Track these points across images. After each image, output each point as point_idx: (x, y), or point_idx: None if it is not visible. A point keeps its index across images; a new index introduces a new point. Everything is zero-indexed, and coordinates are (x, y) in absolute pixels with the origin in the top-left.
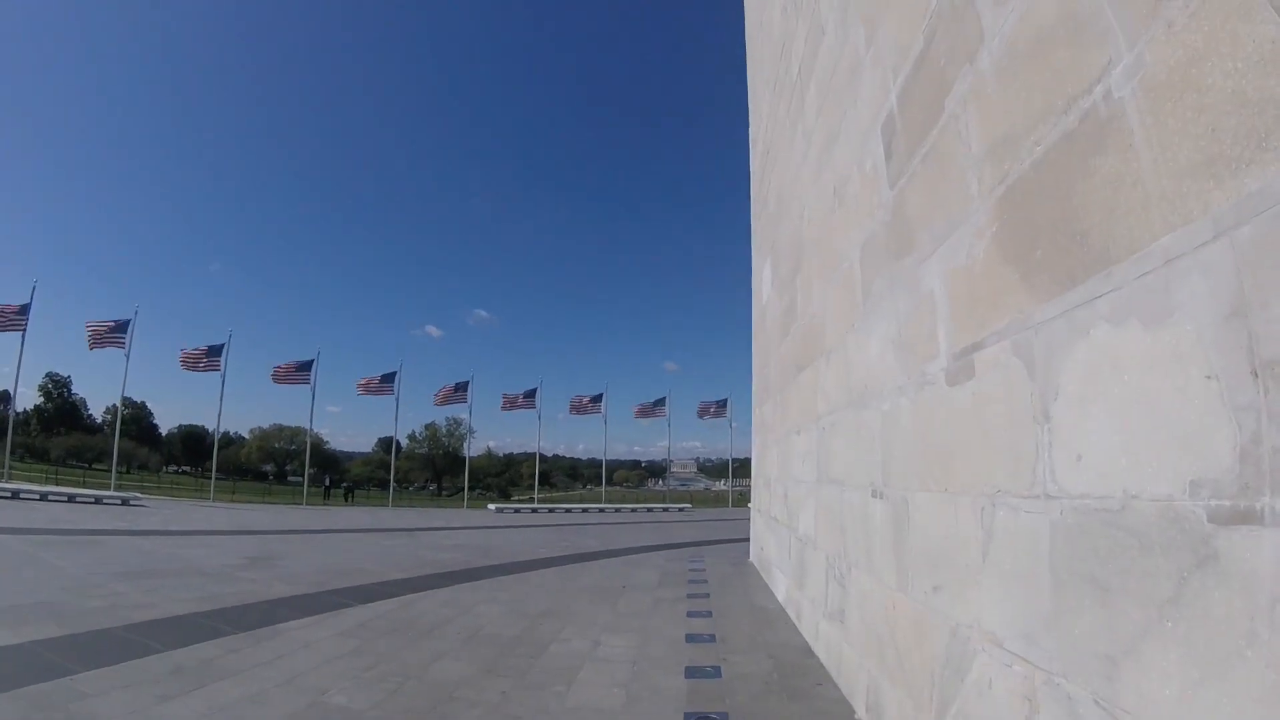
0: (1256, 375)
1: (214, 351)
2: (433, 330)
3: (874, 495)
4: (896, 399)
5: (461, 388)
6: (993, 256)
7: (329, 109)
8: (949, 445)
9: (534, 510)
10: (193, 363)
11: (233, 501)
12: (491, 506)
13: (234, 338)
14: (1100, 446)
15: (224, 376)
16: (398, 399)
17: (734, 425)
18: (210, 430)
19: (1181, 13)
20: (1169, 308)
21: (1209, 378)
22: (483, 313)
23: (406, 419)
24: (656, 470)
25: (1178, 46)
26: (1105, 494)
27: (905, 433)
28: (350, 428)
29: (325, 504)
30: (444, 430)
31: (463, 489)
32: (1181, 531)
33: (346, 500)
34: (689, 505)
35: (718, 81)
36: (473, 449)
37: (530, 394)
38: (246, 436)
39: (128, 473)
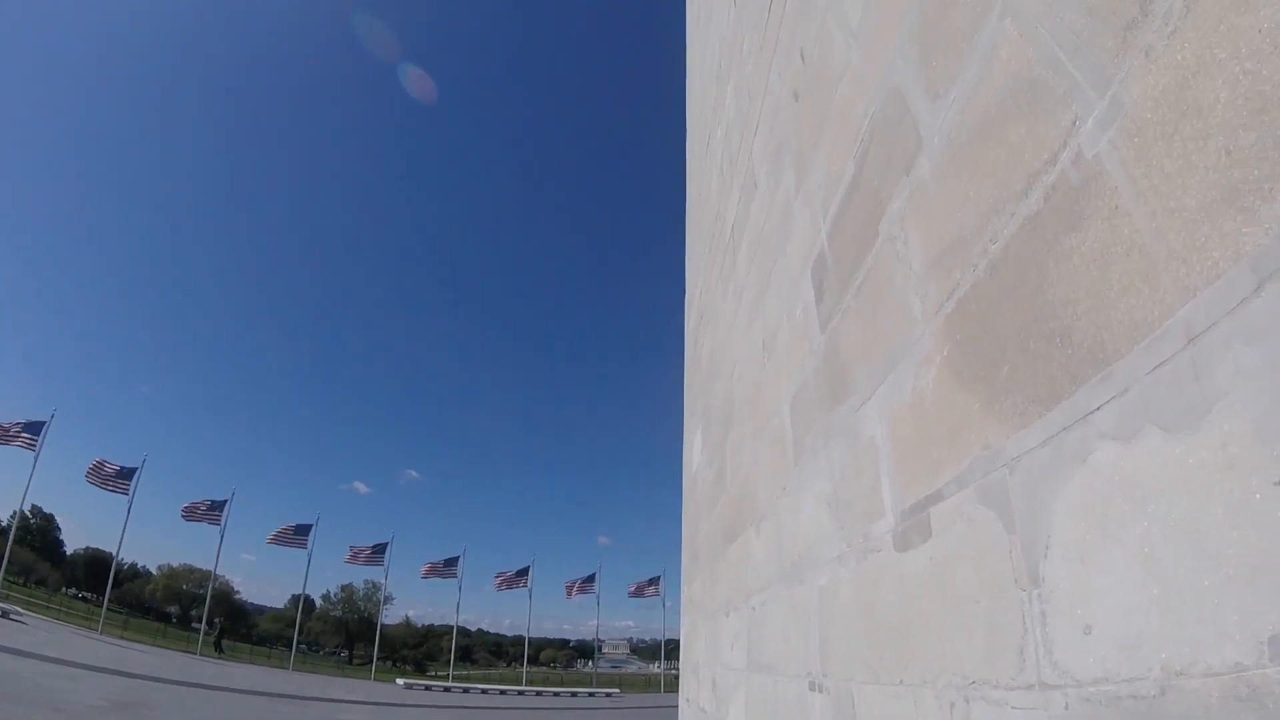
0: None
1: (124, 474)
2: (360, 487)
3: (812, 688)
4: (835, 570)
5: (379, 550)
6: (945, 385)
7: (290, 252)
8: (903, 625)
9: (446, 689)
10: (100, 480)
11: (122, 637)
12: (400, 681)
13: (154, 465)
14: (1120, 609)
15: (131, 503)
16: (311, 554)
17: (667, 604)
18: (115, 556)
19: (1160, 33)
20: (1206, 400)
21: None
22: (413, 473)
23: (325, 577)
24: (586, 650)
25: (1163, 72)
26: (1134, 675)
27: (847, 611)
28: (265, 579)
29: (219, 656)
30: (361, 593)
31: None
32: (1263, 713)
33: (217, 650)
34: (617, 690)
35: (659, 249)
36: (390, 616)
37: (452, 562)
38: (154, 571)
39: (23, 585)
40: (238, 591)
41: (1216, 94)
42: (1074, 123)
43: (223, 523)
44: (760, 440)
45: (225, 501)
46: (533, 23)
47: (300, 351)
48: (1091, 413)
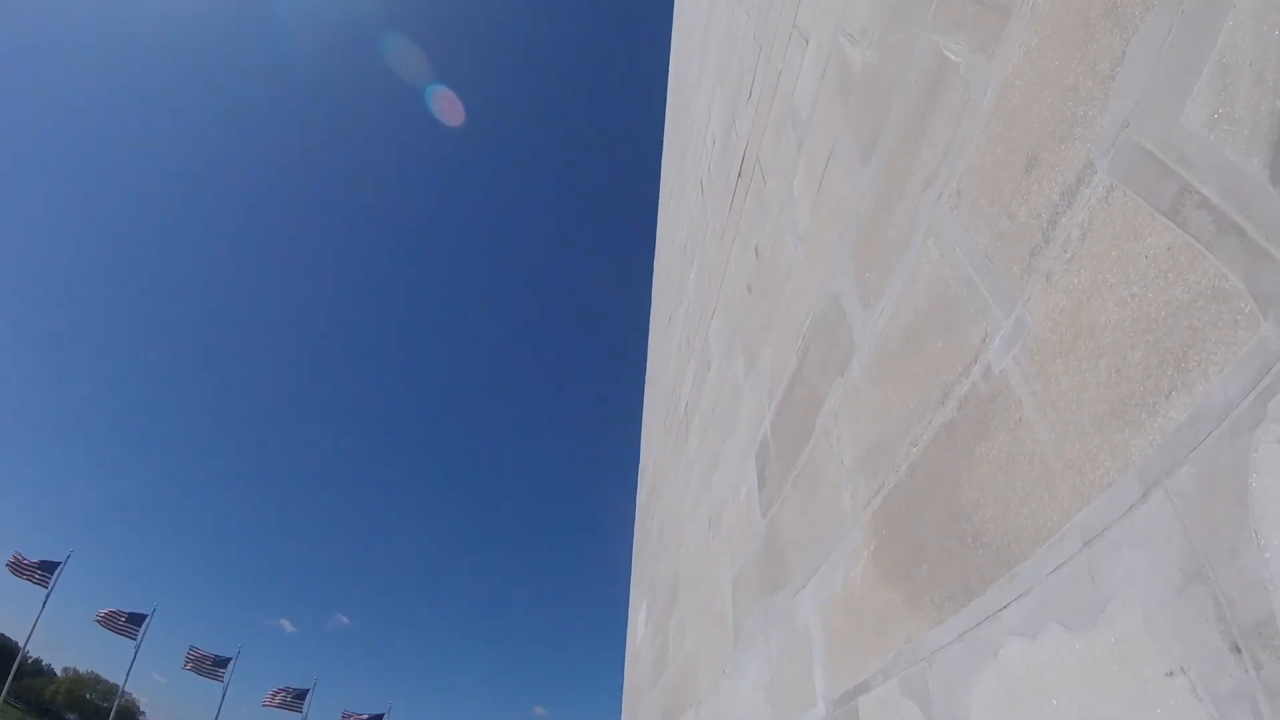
0: (1239, 649)
1: (46, 566)
2: (286, 624)
3: None
4: None
5: (301, 695)
6: (872, 578)
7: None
8: None
9: None
10: (19, 570)
11: None
12: None
13: (78, 563)
14: None
15: (47, 598)
16: (226, 687)
17: None
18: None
19: (1059, 259)
20: (1100, 599)
21: (1173, 673)
22: (344, 618)
23: (242, 713)
24: None
25: (1060, 295)
26: None
27: None
28: (176, 705)
29: None
30: None
31: None
32: None
33: None
34: None
35: (615, 425)
36: None
37: (378, 718)
38: (59, 673)
39: None
40: (143, 713)
41: (1108, 316)
42: (984, 339)
43: (139, 638)
44: (703, 619)
45: (145, 616)
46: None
47: (245, 476)
48: (1000, 610)
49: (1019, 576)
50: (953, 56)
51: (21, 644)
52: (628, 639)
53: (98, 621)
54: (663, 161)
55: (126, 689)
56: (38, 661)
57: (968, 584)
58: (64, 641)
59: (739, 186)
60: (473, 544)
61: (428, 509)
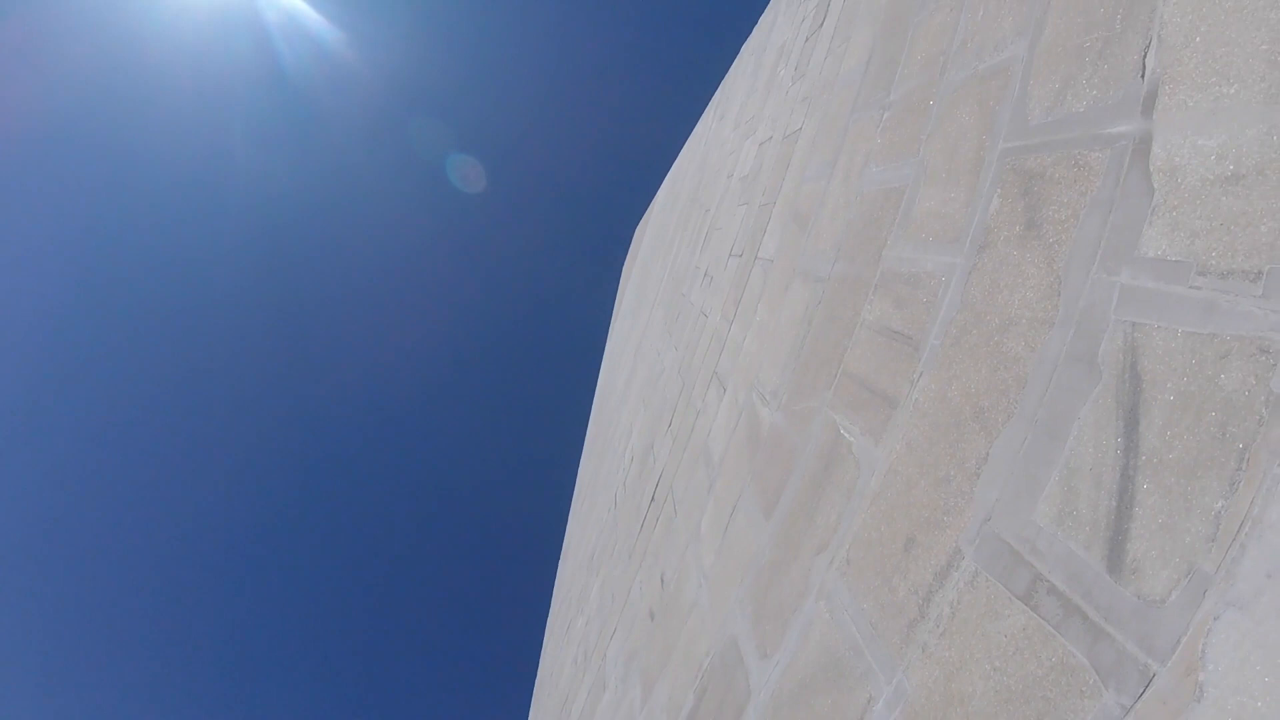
0: None
1: None
2: None
3: None
4: None
5: None
6: None
7: None
8: None
9: None
10: None
11: None
12: None
13: None
14: None
15: None
16: None
17: None
18: None
19: (933, 633)
20: None
21: None
22: None
23: None
24: None
25: (934, 666)
26: None
27: None
28: None
29: None
30: None
31: None
32: None
33: None
34: None
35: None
36: None
37: None
38: None
39: None
40: None
41: (975, 686)
42: (868, 701)
43: None
44: None
45: None
46: None
47: None
48: None
49: None
50: (847, 435)
51: None
52: None
53: None
54: (581, 460)
55: None
56: None
57: None
58: None
59: (651, 511)
60: None
61: None
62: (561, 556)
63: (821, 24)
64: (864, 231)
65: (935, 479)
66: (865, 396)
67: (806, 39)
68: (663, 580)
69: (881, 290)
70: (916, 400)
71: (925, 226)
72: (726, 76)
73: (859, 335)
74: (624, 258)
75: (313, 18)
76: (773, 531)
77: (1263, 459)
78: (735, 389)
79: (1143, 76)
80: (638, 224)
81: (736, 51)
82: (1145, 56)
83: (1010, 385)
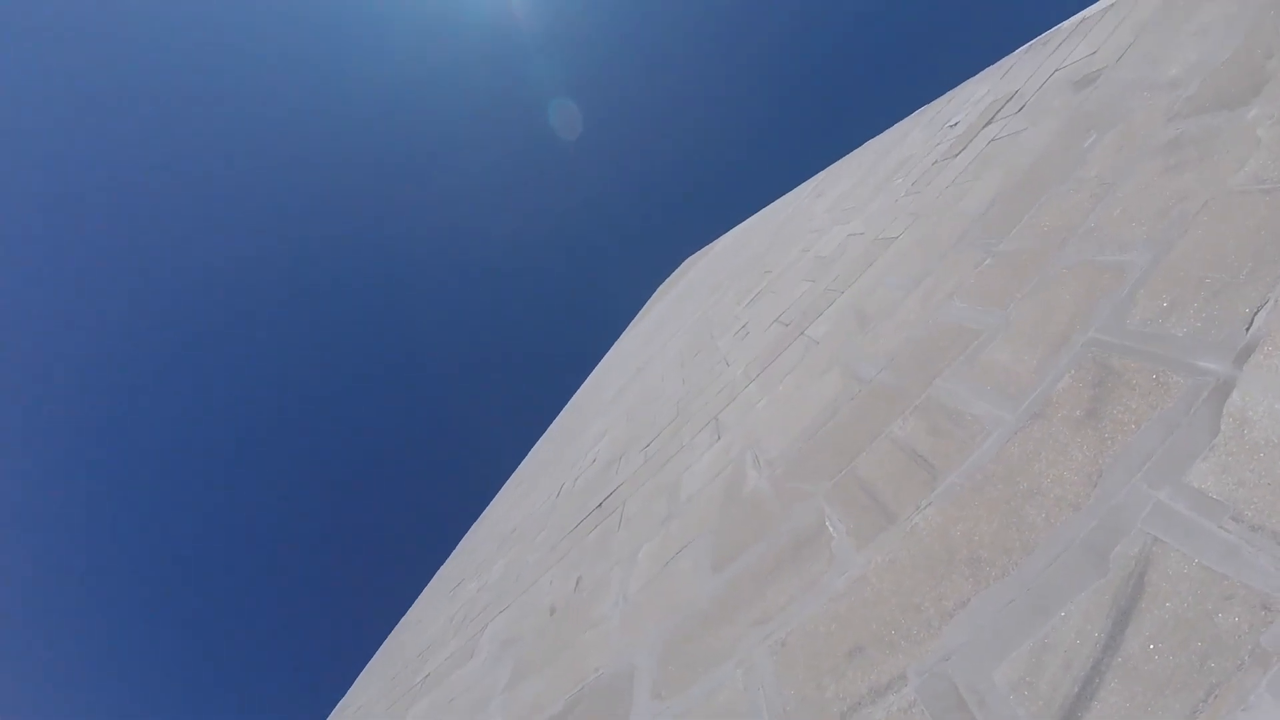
0: None
1: None
2: None
3: None
4: None
5: None
6: None
7: None
8: None
9: None
10: None
11: None
12: None
13: None
14: None
15: None
16: None
17: None
18: None
19: None
20: None
21: None
22: None
23: None
24: None
25: None
26: None
27: None
28: None
29: None
30: None
31: None
32: None
33: None
34: None
35: None
36: None
37: None
38: None
39: None
40: None
41: None
42: None
43: None
44: None
45: None
46: None
47: None
48: None
49: None
50: (831, 529)
51: None
52: None
53: None
54: (538, 442)
55: None
56: None
57: None
58: None
59: (594, 517)
60: None
61: None
62: (478, 520)
63: (956, 155)
64: (924, 354)
65: (906, 603)
66: (865, 502)
67: (935, 162)
68: (578, 584)
69: (920, 413)
70: (916, 525)
71: (988, 374)
72: (839, 162)
73: (880, 444)
74: (664, 277)
75: None
76: (716, 587)
77: (1230, 700)
78: (731, 442)
79: (1247, 329)
80: (692, 255)
81: (850, 140)
82: (1257, 313)
83: (1015, 547)
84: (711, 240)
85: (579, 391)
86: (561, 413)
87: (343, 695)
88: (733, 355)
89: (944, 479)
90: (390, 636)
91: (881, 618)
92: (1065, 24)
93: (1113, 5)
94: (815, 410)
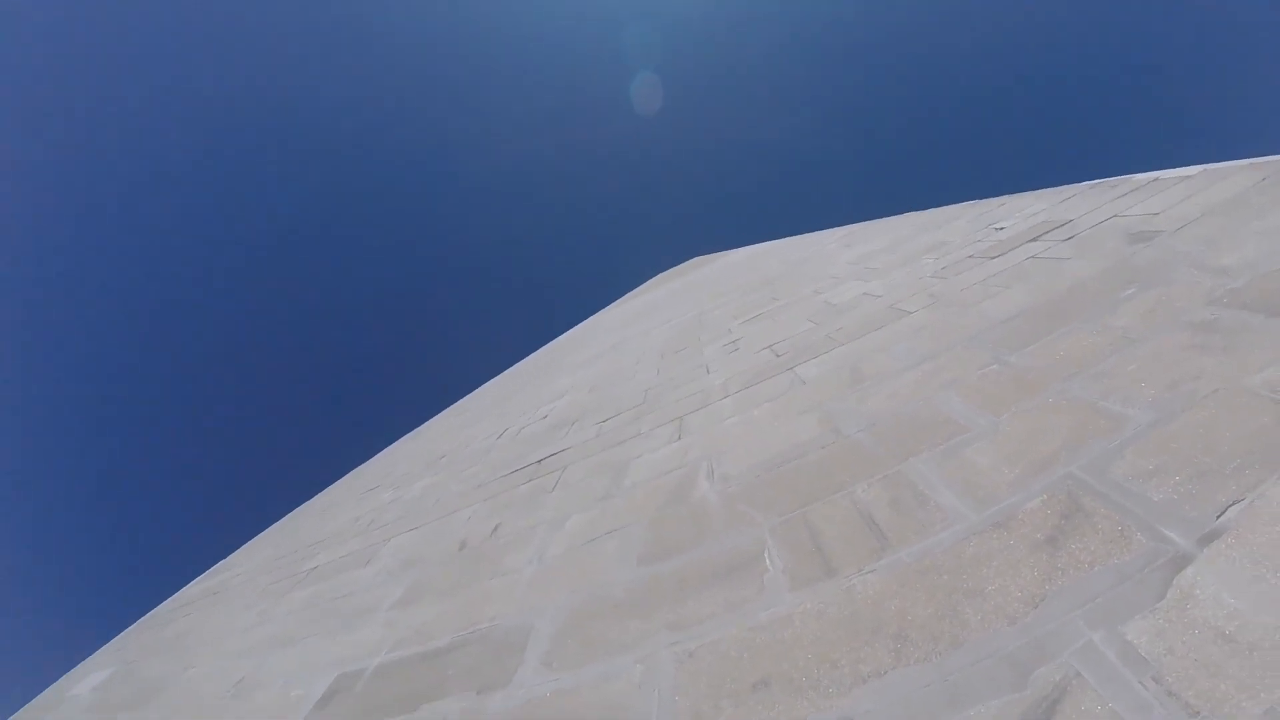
0: None
1: None
2: None
3: None
4: None
5: None
6: None
7: None
8: None
9: None
10: None
11: None
12: None
13: None
14: None
15: None
16: None
17: None
18: None
19: None
20: None
21: None
22: None
23: None
24: None
25: None
26: None
27: None
28: None
29: None
30: None
31: None
32: None
33: None
34: None
35: None
36: None
37: None
38: None
39: None
40: None
41: None
42: None
43: None
44: None
45: None
46: None
47: None
48: None
49: None
50: (769, 563)
51: None
52: None
53: None
54: (498, 377)
55: None
56: None
57: None
58: None
59: (531, 470)
60: None
61: None
62: (411, 434)
63: (994, 257)
64: (907, 430)
65: (824, 656)
66: (810, 549)
67: (971, 256)
68: (496, 530)
69: (888, 484)
70: (854, 586)
71: (964, 471)
72: (874, 221)
73: (840, 500)
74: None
75: None
76: (637, 578)
77: None
78: (690, 445)
79: (1218, 517)
80: (701, 256)
81: (878, 205)
82: (1231, 506)
83: (945, 638)
84: (723, 248)
85: (551, 345)
86: (526, 359)
87: (225, 557)
88: (716, 365)
89: (893, 552)
90: (289, 516)
91: (796, 661)
92: (1138, 176)
93: (1189, 178)
94: (785, 445)
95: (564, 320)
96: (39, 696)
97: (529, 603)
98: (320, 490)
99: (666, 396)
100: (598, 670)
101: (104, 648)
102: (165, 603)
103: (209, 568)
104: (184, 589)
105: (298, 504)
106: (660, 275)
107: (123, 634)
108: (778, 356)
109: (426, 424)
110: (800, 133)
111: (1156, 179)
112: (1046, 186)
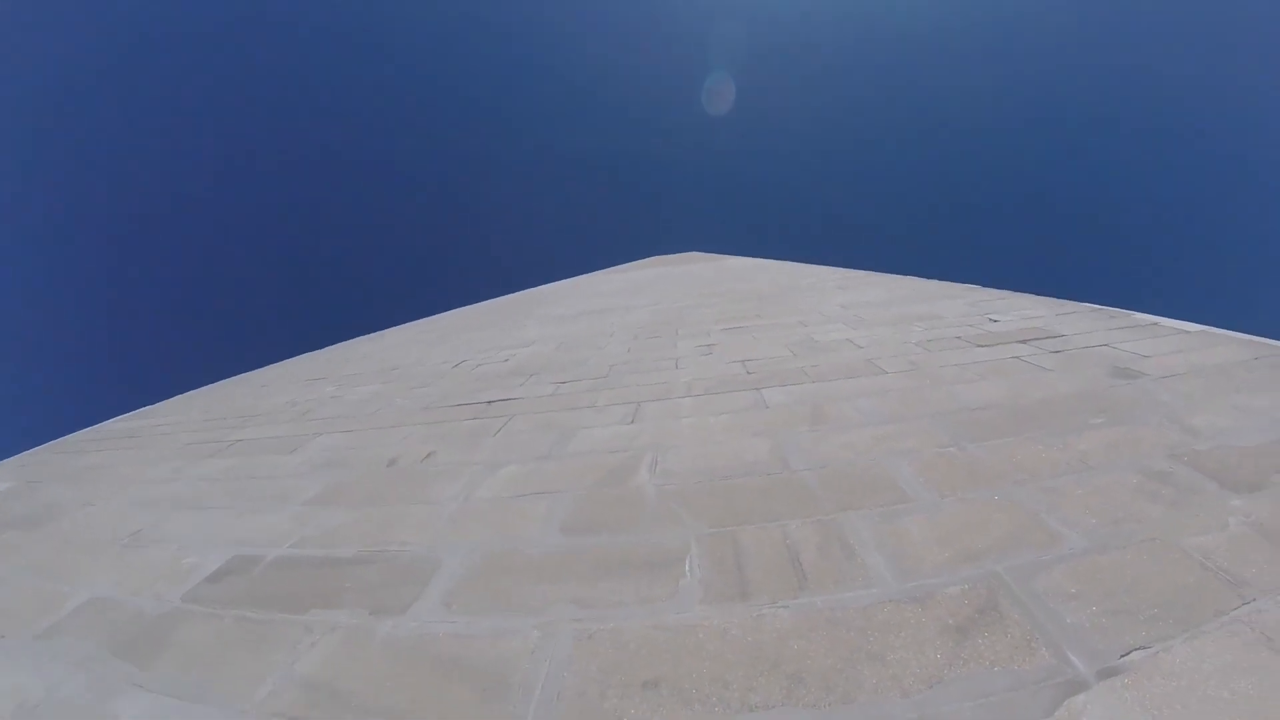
0: None
1: None
2: None
3: None
4: None
5: None
6: None
7: None
8: None
9: None
10: None
11: None
12: None
13: None
14: None
15: None
16: None
17: None
18: None
19: None
20: None
21: None
22: None
23: None
24: None
25: None
26: None
27: None
28: None
29: None
30: None
31: None
32: None
33: None
34: None
35: None
36: None
37: None
38: None
39: None
40: None
41: None
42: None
43: None
44: None
45: None
46: None
47: None
48: None
49: None
50: (688, 568)
51: None
52: None
53: None
54: (467, 306)
55: None
56: None
57: None
58: None
59: (478, 410)
60: None
61: None
62: (368, 336)
63: (980, 346)
64: (852, 483)
65: (719, 675)
66: (731, 567)
67: (959, 338)
68: (429, 457)
69: (821, 529)
70: (764, 616)
71: (897, 538)
72: (876, 274)
73: (771, 531)
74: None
75: None
76: (558, 546)
77: None
78: (641, 432)
79: (1122, 656)
80: (699, 251)
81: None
82: (1136, 650)
83: (837, 690)
84: (723, 250)
85: (531, 291)
86: (502, 297)
87: (156, 403)
88: (687, 362)
89: (810, 595)
90: (226, 381)
91: (691, 672)
92: (1140, 315)
93: (1186, 334)
94: (732, 461)
95: (549, 270)
96: None
97: (444, 538)
98: (265, 365)
99: (629, 378)
100: (496, 624)
101: (7, 460)
102: (83, 431)
103: (135, 409)
104: (105, 423)
105: (239, 371)
106: (657, 257)
107: (31, 451)
108: (748, 373)
109: (387, 330)
110: (836, 164)
111: (1156, 324)
112: (1055, 283)
